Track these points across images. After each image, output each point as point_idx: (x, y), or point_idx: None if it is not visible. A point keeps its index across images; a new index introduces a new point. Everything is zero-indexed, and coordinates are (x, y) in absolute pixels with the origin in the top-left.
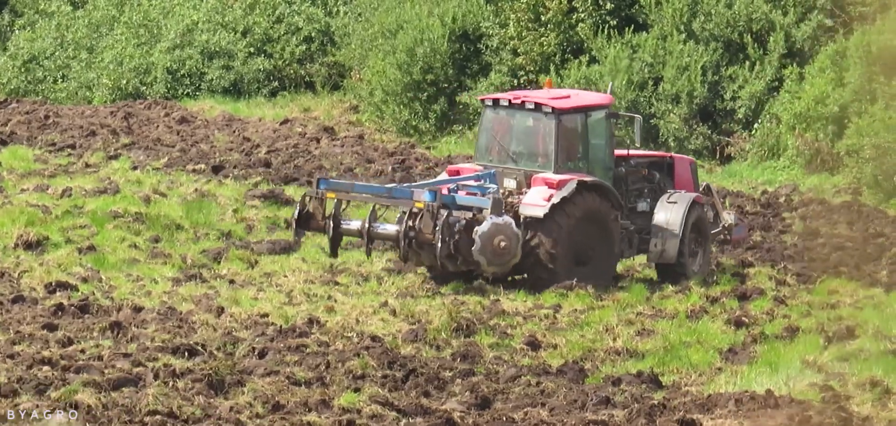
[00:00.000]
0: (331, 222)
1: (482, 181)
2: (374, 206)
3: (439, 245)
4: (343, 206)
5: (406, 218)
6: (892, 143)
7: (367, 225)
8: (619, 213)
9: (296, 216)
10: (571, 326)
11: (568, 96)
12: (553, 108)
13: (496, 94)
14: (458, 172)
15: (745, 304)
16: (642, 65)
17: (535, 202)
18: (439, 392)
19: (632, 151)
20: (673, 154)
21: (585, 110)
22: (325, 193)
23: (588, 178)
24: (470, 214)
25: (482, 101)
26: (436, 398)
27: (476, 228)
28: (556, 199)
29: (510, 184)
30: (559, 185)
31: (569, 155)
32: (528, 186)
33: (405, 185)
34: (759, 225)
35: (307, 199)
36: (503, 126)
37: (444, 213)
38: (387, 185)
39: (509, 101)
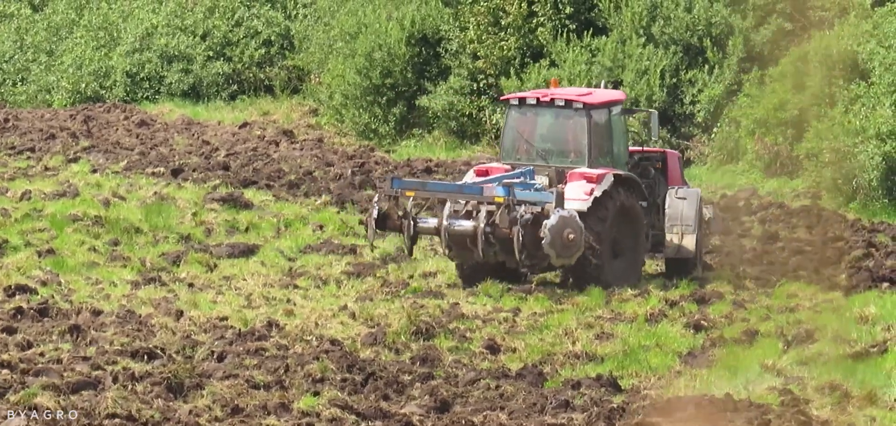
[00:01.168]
0: (409, 221)
1: (523, 178)
2: (449, 204)
3: (518, 239)
4: (415, 205)
5: (484, 213)
6: (852, 146)
7: (444, 222)
8: (645, 207)
9: (375, 216)
10: (531, 330)
11: (590, 93)
12: (584, 104)
13: (520, 93)
14: (487, 172)
15: (704, 308)
16: (602, 69)
17: (577, 196)
18: (398, 395)
19: (631, 147)
20: (665, 149)
21: (610, 106)
22: (403, 192)
23: (622, 173)
24: (536, 209)
25: (506, 100)
26: (395, 401)
27: (545, 222)
28: (597, 193)
29: (542, 180)
30: (598, 180)
31: (600, 150)
32: (562, 182)
33: (474, 181)
34: (718, 229)
35: (383, 199)
36: (530, 124)
37: (519, 208)
38: (457, 183)
39: (537, 99)
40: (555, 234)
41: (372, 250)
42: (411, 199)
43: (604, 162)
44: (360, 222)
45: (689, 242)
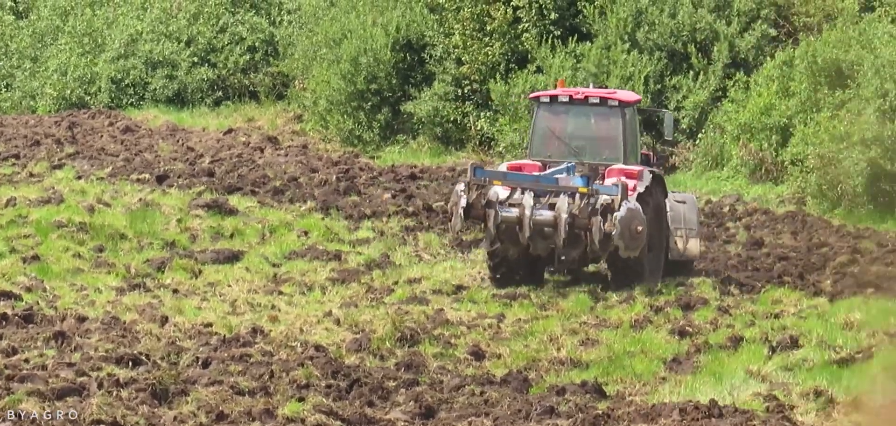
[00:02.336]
0: (495, 211)
1: (568, 173)
2: (531, 194)
3: (599, 230)
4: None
5: (565, 203)
6: (837, 152)
7: (527, 213)
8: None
9: (464, 206)
10: (516, 336)
11: (614, 92)
12: (619, 102)
13: (549, 91)
14: (519, 168)
15: (689, 314)
16: (587, 74)
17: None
18: (383, 401)
19: None
20: (649, 151)
21: (635, 105)
22: (489, 182)
23: (654, 170)
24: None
25: (536, 98)
26: (380, 408)
27: (614, 214)
28: (640, 188)
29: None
30: (638, 176)
31: (631, 148)
32: (599, 179)
33: (549, 172)
34: (703, 235)
35: (468, 188)
36: (562, 122)
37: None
38: (534, 174)
39: (570, 97)
40: (624, 226)
41: (456, 234)
42: (495, 188)
43: (633, 159)
44: (444, 212)
45: (694, 246)
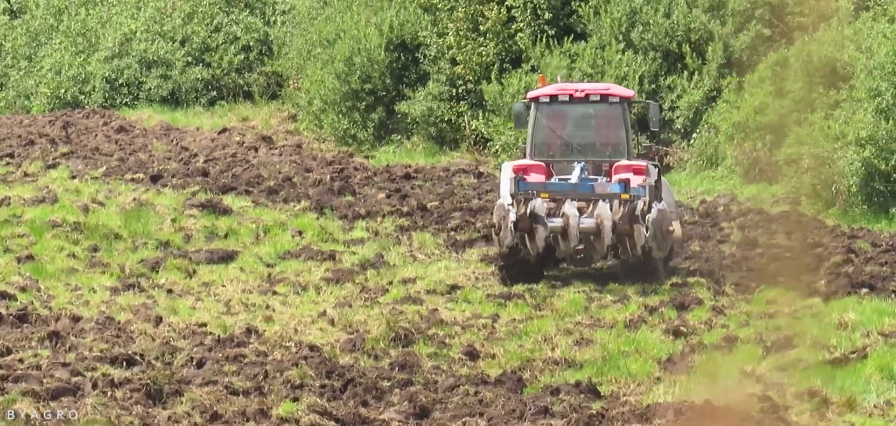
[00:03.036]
0: (541, 225)
1: (584, 172)
2: (574, 204)
3: (642, 235)
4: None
5: (606, 209)
6: (831, 152)
7: (574, 223)
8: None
9: (514, 220)
10: (510, 336)
11: (609, 87)
12: (621, 98)
13: (547, 90)
14: (525, 170)
15: (683, 314)
16: (581, 74)
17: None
18: (378, 401)
19: None
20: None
21: (631, 100)
22: (536, 194)
23: (657, 164)
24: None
25: (535, 98)
26: (374, 408)
27: (647, 217)
28: (650, 183)
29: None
30: (646, 172)
31: (632, 143)
32: (605, 175)
33: (585, 179)
34: (697, 234)
35: (516, 203)
36: (563, 120)
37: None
38: (571, 181)
39: (570, 95)
40: (657, 228)
41: (504, 251)
42: (542, 200)
43: (634, 154)
44: (491, 228)
45: (677, 228)
